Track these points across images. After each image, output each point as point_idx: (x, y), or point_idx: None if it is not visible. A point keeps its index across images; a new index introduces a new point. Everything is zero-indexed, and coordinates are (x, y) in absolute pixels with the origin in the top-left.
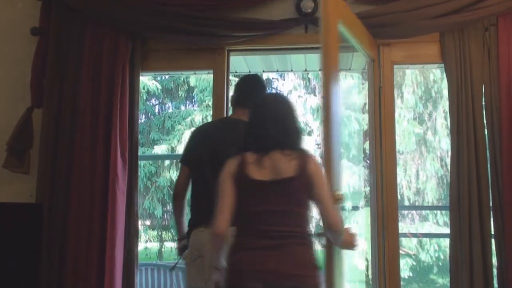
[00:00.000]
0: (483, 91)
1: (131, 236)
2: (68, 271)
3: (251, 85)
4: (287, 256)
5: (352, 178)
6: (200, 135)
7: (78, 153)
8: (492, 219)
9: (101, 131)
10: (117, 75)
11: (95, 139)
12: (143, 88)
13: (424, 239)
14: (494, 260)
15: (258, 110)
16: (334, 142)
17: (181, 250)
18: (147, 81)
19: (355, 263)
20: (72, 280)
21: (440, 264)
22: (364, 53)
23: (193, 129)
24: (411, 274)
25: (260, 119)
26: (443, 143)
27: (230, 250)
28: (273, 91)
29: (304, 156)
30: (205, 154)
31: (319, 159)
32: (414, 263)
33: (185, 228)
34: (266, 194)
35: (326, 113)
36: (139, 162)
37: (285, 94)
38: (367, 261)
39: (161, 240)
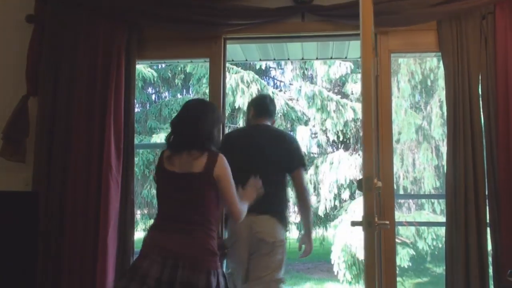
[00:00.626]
0: (480, 79)
1: (127, 224)
2: (64, 259)
3: (265, 100)
4: (186, 238)
5: (349, 168)
6: (233, 140)
7: (74, 141)
8: (487, 207)
9: (96, 119)
10: (112, 63)
11: (91, 128)
12: (139, 76)
13: (422, 228)
14: (490, 248)
15: (180, 113)
16: (372, 137)
17: (222, 256)
18: (143, 69)
19: (354, 252)
20: (68, 267)
21: (436, 253)
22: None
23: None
24: (410, 264)
25: (178, 121)
26: (438, 132)
27: (149, 227)
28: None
29: (213, 156)
30: (237, 158)
31: (225, 161)
32: (414, 253)
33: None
34: (174, 183)
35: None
36: (136, 151)
37: (205, 100)
38: None
39: None
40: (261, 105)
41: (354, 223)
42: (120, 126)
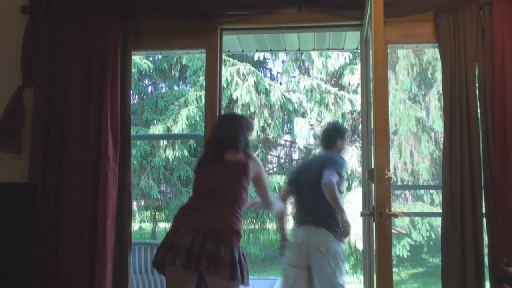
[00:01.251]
0: (477, 70)
1: (124, 216)
2: (61, 250)
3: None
4: (214, 217)
5: (347, 159)
6: (302, 166)
7: (70, 132)
8: (483, 198)
9: (92, 110)
10: (108, 55)
11: (87, 119)
12: (135, 68)
13: (416, 219)
14: (485, 239)
15: (218, 123)
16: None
17: (282, 247)
18: (139, 60)
19: (352, 242)
20: (65, 259)
21: (432, 243)
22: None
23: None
24: (409, 254)
25: (217, 130)
26: (437, 124)
27: (181, 207)
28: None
29: (248, 154)
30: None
31: (258, 159)
32: (413, 243)
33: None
34: (210, 172)
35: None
36: (132, 142)
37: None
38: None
39: (155, 221)
40: (321, 136)
41: (363, 214)
42: (117, 117)
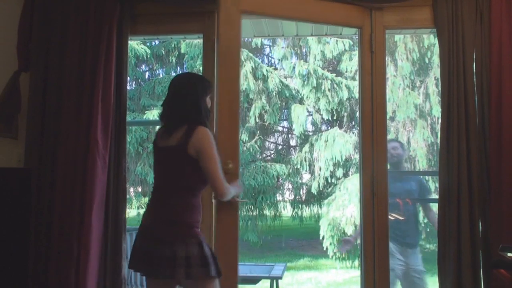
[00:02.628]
0: (475, 55)
1: (119, 201)
2: (54, 236)
3: None
4: (163, 213)
5: (344, 146)
6: None
7: (64, 118)
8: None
9: (86, 95)
10: (102, 39)
11: (80, 104)
12: (132, 53)
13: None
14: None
15: (168, 89)
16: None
17: None
18: (136, 45)
19: (342, 227)
20: (58, 245)
21: (428, 230)
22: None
23: None
24: None
25: (165, 98)
26: (434, 110)
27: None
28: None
29: (190, 129)
30: None
31: (205, 132)
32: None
33: None
34: (157, 158)
35: None
36: (129, 128)
37: (191, 73)
38: (355, 226)
39: None
40: None
41: None
42: (109, 102)
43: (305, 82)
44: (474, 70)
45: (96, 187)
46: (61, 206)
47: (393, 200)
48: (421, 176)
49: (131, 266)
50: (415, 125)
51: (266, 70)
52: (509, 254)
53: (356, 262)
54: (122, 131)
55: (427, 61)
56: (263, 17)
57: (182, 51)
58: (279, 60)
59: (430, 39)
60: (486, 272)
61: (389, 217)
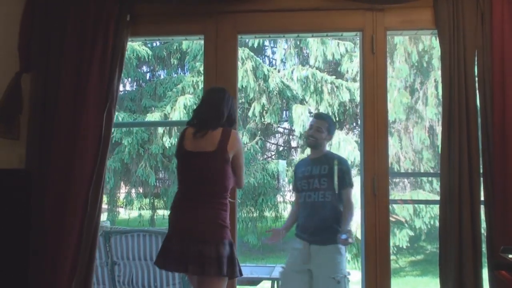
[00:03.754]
0: (476, 56)
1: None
2: (51, 238)
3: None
4: (197, 216)
5: (345, 148)
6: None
7: (63, 118)
8: (482, 185)
9: (83, 94)
10: (97, 40)
11: (80, 103)
12: (133, 54)
13: (420, 208)
14: (483, 226)
15: (202, 98)
16: None
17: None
18: (137, 47)
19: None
20: (56, 249)
21: (432, 231)
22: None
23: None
24: (408, 245)
25: (198, 105)
26: (433, 112)
27: (171, 207)
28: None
29: (226, 133)
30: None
31: (238, 134)
32: (412, 234)
33: None
34: (189, 163)
35: None
36: (130, 129)
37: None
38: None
39: (153, 208)
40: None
41: None
42: (103, 98)
43: (304, 87)
44: (476, 71)
45: (84, 181)
46: (60, 209)
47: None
48: (343, 159)
49: (164, 266)
50: (413, 127)
51: (267, 70)
52: (510, 256)
53: (358, 263)
54: (106, 141)
55: (424, 64)
56: (261, 35)
57: (184, 47)
58: (280, 60)
59: (432, 41)
60: (490, 274)
61: (391, 218)
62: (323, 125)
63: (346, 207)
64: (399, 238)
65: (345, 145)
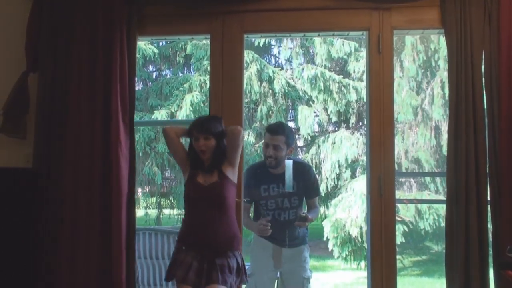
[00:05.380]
0: (483, 56)
1: (131, 201)
2: (64, 239)
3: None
4: (212, 233)
5: (351, 148)
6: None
7: (75, 119)
8: (488, 185)
9: (100, 95)
10: (114, 40)
11: (93, 105)
12: (139, 53)
13: (424, 209)
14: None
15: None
16: None
17: None
18: (143, 45)
19: (347, 229)
20: (70, 248)
21: (437, 232)
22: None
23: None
24: (403, 240)
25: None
26: (438, 113)
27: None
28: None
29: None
30: None
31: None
32: (407, 230)
33: None
34: (201, 193)
35: None
36: (136, 128)
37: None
38: (361, 228)
39: (159, 207)
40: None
41: None
42: (126, 102)
43: (313, 86)
44: (483, 71)
45: (122, 189)
46: (74, 208)
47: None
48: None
49: (182, 280)
50: (418, 127)
51: (273, 71)
52: None
53: (362, 264)
54: (131, 132)
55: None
56: (267, 34)
57: (188, 52)
58: (285, 60)
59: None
60: (497, 274)
61: (396, 218)
62: (280, 142)
63: (313, 211)
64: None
65: (345, 142)
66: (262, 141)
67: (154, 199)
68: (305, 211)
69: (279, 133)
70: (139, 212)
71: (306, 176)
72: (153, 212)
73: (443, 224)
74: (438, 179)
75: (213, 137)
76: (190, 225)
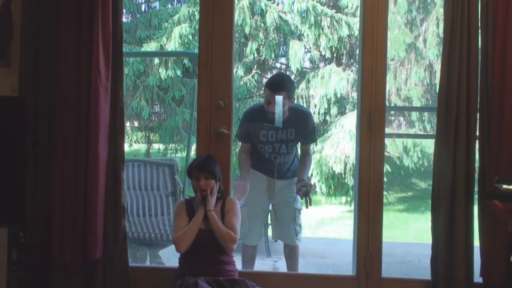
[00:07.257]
0: None
1: (117, 133)
2: (55, 167)
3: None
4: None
5: (340, 83)
6: None
7: (61, 45)
8: (478, 121)
9: (84, 24)
10: None
11: (79, 34)
12: None
13: (408, 146)
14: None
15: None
16: None
17: None
18: None
19: (330, 165)
20: (60, 176)
21: (422, 169)
22: None
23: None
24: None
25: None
26: (433, 52)
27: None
28: None
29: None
30: None
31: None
32: (389, 170)
33: None
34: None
35: None
36: (126, 59)
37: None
38: (345, 164)
39: (149, 141)
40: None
41: None
42: (108, 31)
43: (304, 20)
44: (480, 7)
45: (100, 118)
46: (63, 139)
47: None
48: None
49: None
50: (411, 65)
51: (265, 4)
52: (504, 186)
53: (343, 199)
54: (119, 62)
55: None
56: None
57: None
58: None
59: None
60: (482, 205)
61: (385, 153)
62: (283, 97)
63: (307, 158)
64: None
65: (334, 76)
66: (251, 74)
67: (142, 134)
68: (305, 187)
69: (280, 90)
70: (128, 147)
71: (305, 124)
72: (142, 146)
73: (427, 163)
74: (426, 117)
75: (213, 178)
76: (189, 267)
